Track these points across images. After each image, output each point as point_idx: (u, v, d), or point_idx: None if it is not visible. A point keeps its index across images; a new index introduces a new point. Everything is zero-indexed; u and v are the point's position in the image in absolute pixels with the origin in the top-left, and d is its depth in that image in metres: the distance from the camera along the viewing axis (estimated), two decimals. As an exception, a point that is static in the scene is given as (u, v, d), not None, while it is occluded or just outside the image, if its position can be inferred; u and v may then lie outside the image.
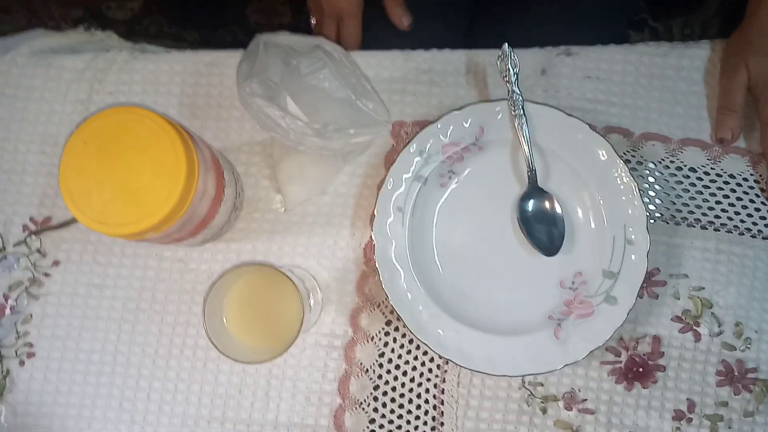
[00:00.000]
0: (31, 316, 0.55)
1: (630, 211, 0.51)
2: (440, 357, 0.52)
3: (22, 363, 0.54)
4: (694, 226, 0.55)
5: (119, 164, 0.42)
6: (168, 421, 0.53)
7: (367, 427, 0.53)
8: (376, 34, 0.61)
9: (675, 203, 0.55)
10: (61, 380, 0.54)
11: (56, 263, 0.55)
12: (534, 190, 0.53)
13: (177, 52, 0.58)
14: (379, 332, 0.54)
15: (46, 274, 0.55)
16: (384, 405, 0.53)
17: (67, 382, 0.54)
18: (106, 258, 0.55)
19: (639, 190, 0.51)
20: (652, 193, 0.55)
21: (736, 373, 0.53)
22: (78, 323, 0.55)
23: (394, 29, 0.62)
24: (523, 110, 0.52)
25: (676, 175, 0.55)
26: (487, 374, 0.50)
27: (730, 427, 0.52)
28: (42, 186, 0.56)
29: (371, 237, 0.52)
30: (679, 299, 0.54)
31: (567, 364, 0.50)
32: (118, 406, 0.54)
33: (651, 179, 0.55)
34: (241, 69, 0.46)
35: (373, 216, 0.52)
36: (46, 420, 0.54)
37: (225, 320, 0.48)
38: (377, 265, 0.51)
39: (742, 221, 0.54)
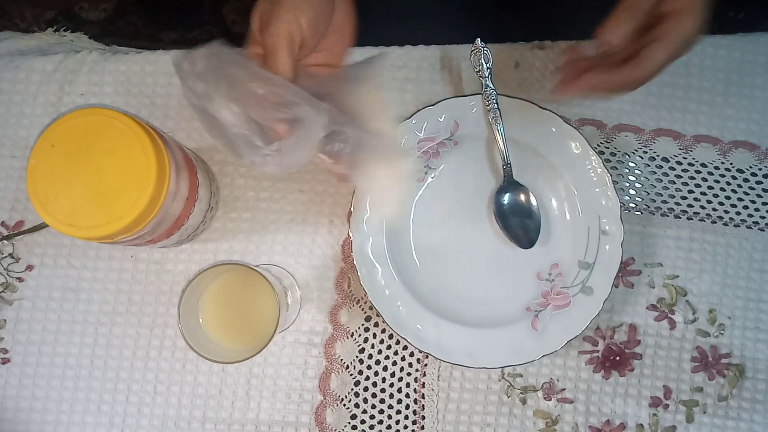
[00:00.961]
0: (5, 321, 0.54)
1: (604, 202, 0.52)
2: (420, 351, 0.53)
3: (-3, 369, 0.54)
4: (668, 216, 0.55)
5: (88, 166, 0.41)
6: (148, 423, 0.53)
7: (349, 423, 0.53)
8: (391, 28, 0.57)
9: (649, 193, 0.56)
10: (37, 386, 0.53)
11: (30, 267, 0.55)
12: (509, 183, 0.53)
13: (148, 53, 0.57)
14: (359, 328, 0.54)
15: (20, 279, 0.55)
16: (365, 400, 0.53)
17: (43, 387, 0.54)
18: (81, 261, 0.55)
19: (612, 181, 0.52)
20: (626, 184, 0.56)
21: (711, 359, 0.54)
22: (53, 327, 0.54)
23: (406, 25, 0.59)
24: (497, 104, 0.52)
25: (649, 166, 0.56)
26: (467, 367, 0.51)
27: (705, 412, 0.53)
28: (13, 190, 0.56)
29: (348, 234, 0.52)
30: (654, 288, 0.54)
31: (545, 355, 0.50)
32: (96, 409, 0.53)
33: (625, 170, 0.56)
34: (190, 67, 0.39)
35: (350, 212, 0.52)
36: (22, 426, 0.53)
37: (201, 320, 0.48)
38: (355, 262, 0.51)
39: (714, 210, 0.55)
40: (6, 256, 0.55)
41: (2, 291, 0.55)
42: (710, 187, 0.56)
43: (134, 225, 0.41)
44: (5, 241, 0.55)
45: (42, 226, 0.55)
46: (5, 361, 0.54)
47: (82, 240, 0.42)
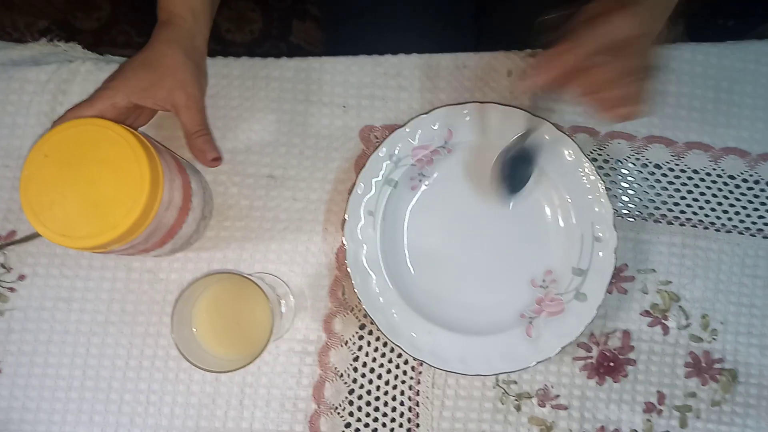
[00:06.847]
0: (-3, 332, 0.54)
1: (597, 209, 0.52)
2: (414, 359, 0.53)
3: (-12, 381, 0.53)
4: (661, 222, 0.56)
5: (81, 176, 0.41)
6: (141, 434, 0.53)
7: (344, 432, 0.53)
8: (385, 37, 0.58)
9: (641, 200, 0.56)
10: (28, 397, 0.53)
11: (22, 277, 0.54)
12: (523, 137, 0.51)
13: (141, 61, 0.57)
14: (353, 336, 0.54)
15: (12, 289, 0.54)
16: (359, 409, 0.53)
17: (35, 398, 0.53)
18: (74, 271, 0.54)
19: (605, 187, 0.52)
20: (619, 191, 0.56)
21: (704, 364, 0.54)
22: (45, 338, 0.54)
23: (400, 34, 0.59)
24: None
25: (641, 172, 0.56)
26: (461, 374, 0.51)
27: (698, 417, 0.53)
28: (6, 200, 0.55)
29: (343, 242, 0.52)
30: (647, 294, 0.55)
31: (539, 361, 0.50)
32: (88, 420, 0.53)
33: (618, 177, 0.56)
34: None
35: (344, 221, 0.52)
36: (14, 438, 0.53)
37: (194, 330, 0.48)
38: (349, 270, 0.51)
39: (706, 215, 0.56)
40: (-2, 266, 0.55)
41: (-6, 301, 0.54)
42: (702, 194, 0.56)
43: (128, 234, 0.41)
44: (-3, 251, 0.55)
45: (34, 236, 0.54)
46: (-3, 372, 0.53)
47: (76, 250, 0.42)
